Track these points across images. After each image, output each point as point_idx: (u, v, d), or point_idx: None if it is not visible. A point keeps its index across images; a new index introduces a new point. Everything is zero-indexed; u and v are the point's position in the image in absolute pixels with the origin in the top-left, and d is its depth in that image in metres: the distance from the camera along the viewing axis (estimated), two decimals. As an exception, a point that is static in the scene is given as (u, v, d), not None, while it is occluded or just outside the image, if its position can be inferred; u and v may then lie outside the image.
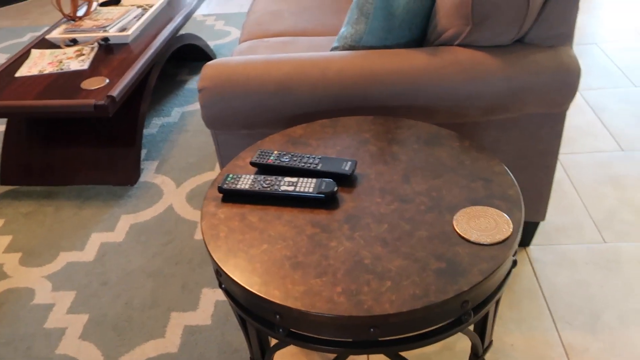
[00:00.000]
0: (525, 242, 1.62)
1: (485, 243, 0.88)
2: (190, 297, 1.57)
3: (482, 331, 1.02)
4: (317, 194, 0.97)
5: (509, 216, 0.93)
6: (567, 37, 1.28)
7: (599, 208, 1.75)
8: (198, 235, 1.78)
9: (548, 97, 1.27)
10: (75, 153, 2.10)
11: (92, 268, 1.70)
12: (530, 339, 1.38)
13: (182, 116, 2.42)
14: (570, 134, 2.09)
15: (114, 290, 1.61)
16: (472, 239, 0.89)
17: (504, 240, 0.88)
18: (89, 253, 1.75)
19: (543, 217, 1.52)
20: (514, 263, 0.93)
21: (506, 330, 1.41)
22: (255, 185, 1.00)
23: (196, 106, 2.49)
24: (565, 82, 1.25)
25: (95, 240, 1.80)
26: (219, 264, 0.89)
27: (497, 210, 0.94)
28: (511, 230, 0.90)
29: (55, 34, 2.22)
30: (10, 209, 1.97)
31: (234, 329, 1.46)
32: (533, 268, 1.56)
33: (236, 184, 1.01)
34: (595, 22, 2.91)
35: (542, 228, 1.69)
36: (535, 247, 1.63)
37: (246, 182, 1.01)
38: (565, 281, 1.52)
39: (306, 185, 0.99)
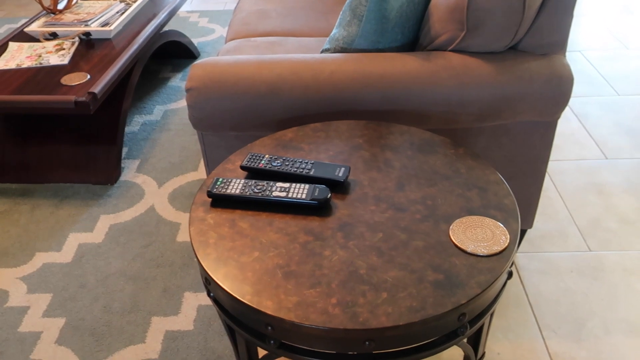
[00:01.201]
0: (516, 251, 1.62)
1: (482, 254, 0.86)
2: (171, 301, 1.53)
3: (475, 343, 1.00)
4: (310, 200, 0.95)
5: (505, 227, 0.91)
6: (560, 45, 1.27)
7: (583, 216, 1.75)
8: (180, 237, 1.74)
9: (540, 105, 1.26)
10: (53, 150, 2.03)
11: (70, 270, 1.64)
12: (516, 347, 1.38)
13: (165, 114, 2.37)
14: (556, 141, 2.10)
15: (93, 293, 1.56)
16: (468, 249, 0.87)
17: (501, 252, 0.87)
18: (66, 254, 1.70)
19: (531, 225, 1.51)
20: (510, 274, 0.91)
21: (493, 338, 1.40)
22: (246, 190, 0.97)
23: (179, 104, 2.44)
24: (557, 91, 1.25)
25: (73, 241, 1.75)
26: (209, 273, 0.86)
27: (493, 220, 0.92)
28: (508, 241, 0.88)
29: (34, 27, 2.15)
30: (-16, 207, 1.91)
31: (217, 334, 1.43)
32: (519, 276, 1.56)
33: (226, 189, 0.98)
34: (579, 30, 2.94)
35: (527, 235, 1.69)
36: (521, 255, 1.62)
37: (236, 186, 0.98)
38: (550, 289, 1.52)
39: (299, 192, 0.96)
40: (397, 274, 0.84)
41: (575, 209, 1.78)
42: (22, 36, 2.17)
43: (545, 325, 1.43)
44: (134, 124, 2.31)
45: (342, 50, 1.35)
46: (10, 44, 2.10)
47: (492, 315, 0.98)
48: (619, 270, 1.57)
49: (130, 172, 2.04)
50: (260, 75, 1.25)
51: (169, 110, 2.39)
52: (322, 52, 1.41)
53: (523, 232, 1.58)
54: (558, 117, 1.30)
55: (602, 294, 1.50)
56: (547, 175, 1.93)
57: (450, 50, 1.29)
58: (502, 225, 0.91)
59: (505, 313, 1.46)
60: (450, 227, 0.91)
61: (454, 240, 0.89)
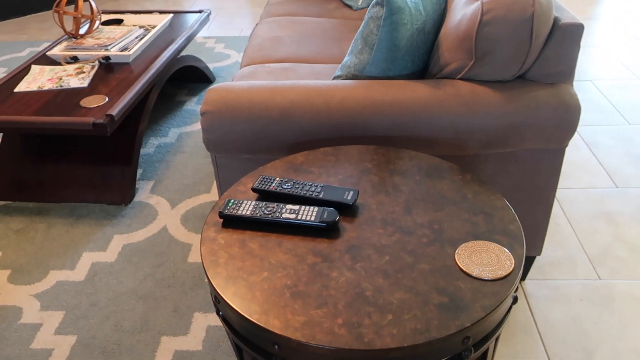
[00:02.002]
0: (521, 276, 1.62)
1: (487, 278, 0.88)
2: (181, 321, 1.54)
3: (480, 367, 1.00)
4: (318, 222, 0.97)
5: (510, 252, 0.93)
6: (567, 75, 1.30)
7: (593, 244, 1.75)
8: (191, 258, 1.76)
9: (547, 133, 1.28)
10: (70, 170, 2.08)
11: (82, 288, 1.67)
12: (524, 375, 1.37)
13: (180, 137, 2.41)
14: (565, 169, 2.11)
15: (104, 311, 1.59)
16: (473, 274, 0.88)
17: (505, 277, 0.88)
18: (79, 272, 1.73)
19: (539, 252, 1.52)
20: (515, 299, 0.92)
21: (501, 366, 1.39)
22: (257, 211, 1.00)
23: (194, 127, 2.49)
24: (565, 120, 1.27)
25: (87, 259, 1.78)
26: (218, 291, 0.88)
27: (498, 245, 0.94)
28: (513, 266, 0.90)
29: (56, 51, 2.22)
30: (1, 225, 1.95)
31: (225, 355, 1.44)
32: (528, 303, 1.56)
33: (237, 210, 1.00)
34: (590, 59, 2.97)
35: (536, 262, 1.69)
36: (530, 282, 1.62)
37: (247, 208, 1.01)
38: (559, 317, 1.52)
39: (308, 214, 0.98)
40: (403, 296, 0.85)
41: (585, 237, 1.78)
42: (44, 59, 2.24)
43: (553, 353, 1.42)
44: (149, 146, 2.36)
45: (354, 77, 1.39)
46: (33, 66, 2.17)
47: (497, 339, 0.98)
48: (629, 299, 1.56)
49: (144, 192, 2.07)
50: (273, 101, 1.28)
51: (183, 133, 2.44)
52: (333, 78, 1.45)
53: (532, 259, 1.59)
54: (566, 145, 1.32)
55: (612, 323, 1.49)
56: (556, 202, 1.93)
57: (459, 79, 1.32)
58: (507, 250, 0.93)
59: (513, 340, 1.45)
60: (456, 251, 0.93)
61: (459, 264, 0.90)
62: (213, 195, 2.05)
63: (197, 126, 2.50)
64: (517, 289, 0.90)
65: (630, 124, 2.38)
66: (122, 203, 2.01)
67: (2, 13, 3.94)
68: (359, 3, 2.42)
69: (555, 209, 1.90)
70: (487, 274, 0.88)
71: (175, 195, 2.05)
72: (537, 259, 1.70)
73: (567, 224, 1.84)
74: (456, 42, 1.29)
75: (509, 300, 0.89)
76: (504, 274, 0.88)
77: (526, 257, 1.57)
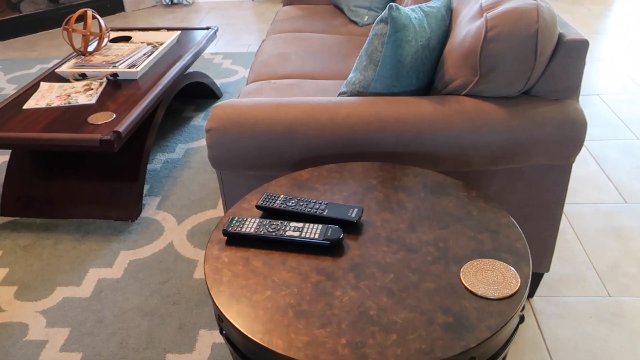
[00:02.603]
0: (529, 293, 1.60)
1: (492, 297, 0.87)
2: (186, 338, 1.54)
3: (487, 388, 0.99)
4: (322, 240, 0.96)
5: (516, 270, 0.92)
6: (573, 90, 1.29)
7: (602, 260, 1.73)
8: (197, 275, 1.76)
9: (554, 149, 1.27)
10: (77, 186, 2.09)
11: (89, 304, 1.67)
12: (533, 394, 1.35)
13: (186, 153, 2.42)
14: (574, 184, 2.09)
15: (110, 328, 1.58)
16: (479, 292, 0.87)
17: (511, 295, 0.87)
18: (85, 289, 1.73)
19: (547, 269, 1.50)
20: (522, 318, 0.91)
21: (509, 384, 1.37)
22: (261, 229, 0.99)
23: (200, 143, 2.50)
24: (571, 135, 1.26)
25: (93, 275, 1.78)
26: (221, 310, 0.87)
27: (504, 263, 0.93)
28: (519, 285, 0.89)
29: (65, 68, 2.24)
30: (9, 241, 1.96)
31: (230, 373, 1.43)
32: (536, 320, 1.54)
33: (241, 228, 1.00)
34: (597, 74, 2.96)
35: (545, 279, 1.67)
36: (538, 299, 1.61)
37: (251, 225, 1.00)
38: (568, 334, 1.49)
39: (312, 231, 0.98)
40: (407, 316, 0.84)
41: (594, 253, 1.76)
42: (53, 76, 2.26)
43: (563, 371, 1.40)
44: (156, 162, 2.37)
45: (359, 93, 1.39)
46: (42, 83, 2.19)
47: (504, 359, 0.97)
48: (639, 316, 1.54)
49: (150, 208, 2.08)
50: (278, 117, 1.28)
51: (190, 149, 2.45)
52: (338, 95, 1.45)
53: (540, 276, 1.57)
54: (572, 161, 1.31)
55: (622, 341, 1.47)
56: (565, 218, 1.92)
57: (464, 95, 1.32)
58: (513, 268, 0.92)
59: (522, 358, 1.43)
60: (461, 269, 0.92)
61: (464, 283, 0.89)
62: (219, 211, 2.05)
63: (204, 142, 2.51)
64: (523, 307, 0.88)
65: (639, 138, 2.36)
66: (128, 219, 2.02)
67: (13, 30, 4.00)
68: (365, 19, 2.43)
69: (564, 224, 1.89)
70: (492, 293, 0.87)
71: (181, 211, 2.06)
72: (546, 276, 1.68)
73: (576, 239, 1.82)
74: (461, 58, 1.29)
75: (516, 319, 0.88)
76: (510, 292, 0.87)
77: (534, 273, 1.55)
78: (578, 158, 2.25)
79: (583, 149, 2.31)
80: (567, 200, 2.00)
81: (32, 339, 1.56)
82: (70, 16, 2.30)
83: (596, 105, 2.65)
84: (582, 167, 2.19)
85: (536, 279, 1.58)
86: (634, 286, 1.63)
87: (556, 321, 1.53)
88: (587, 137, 2.38)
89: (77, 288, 1.73)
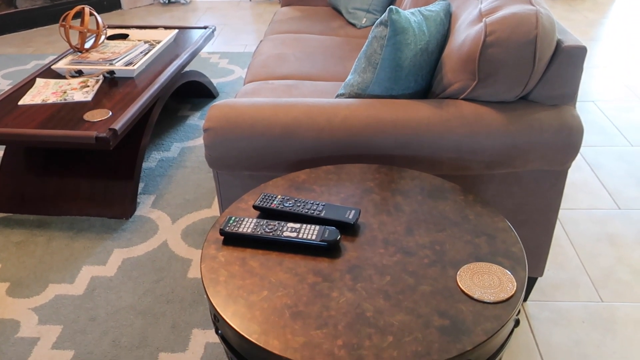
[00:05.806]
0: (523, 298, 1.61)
1: (488, 301, 0.87)
2: (179, 337, 1.53)
3: (481, 391, 0.99)
4: (319, 241, 0.96)
5: (512, 274, 0.92)
6: (570, 97, 1.30)
7: (596, 266, 1.74)
8: (191, 274, 1.75)
9: (550, 154, 1.28)
10: (71, 183, 2.08)
11: (81, 302, 1.66)
12: (526, 398, 1.36)
13: (182, 152, 2.42)
14: (568, 190, 2.10)
15: (102, 326, 1.57)
16: (475, 296, 0.88)
17: (507, 299, 0.87)
18: (78, 286, 1.72)
19: (541, 273, 1.51)
20: (517, 322, 0.91)
21: (502, 388, 1.38)
22: (258, 229, 0.99)
23: (196, 142, 2.49)
24: (567, 141, 1.27)
25: (86, 273, 1.77)
26: (218, 310, 0.87)
27: (500, 267, 0.93)
28: (515, 289, 0.89)
29: (61, 65, 2.23)
30: (1, 237, 1.94)
31: (223, 373, 1.42)
32: (530, 325, 1.55)
33: (238, 228, 1.00)
34: (593, 81, 2.98)
35: (539, 283, 1.68)
36: (531, 303, 1.61)
37: (248, 225, 1.00)
38: (561, 340, 1.50)
39: (309, 232, 0.98)
40: (404, 318, 0.84)
41: (587, 259, 1.77)
42: (49, 73, 2.25)
43: (555, 376, 1.40)
44: (152, 160, 2.36)
45: (357, 95, 1.39)
46: (38, 80, 2.18)
47: (499, 363, 0.97)
48: (632, 322, 1.55)
49: (145, 207, 2.07)
50: (276, 118, 1.28)
51: (186, 148, 2.44)
52: (336, 96, 1.45)
53: (534, 281, 1.58)
54: (568, 167, 1.32)
55: (615, 347, 1.48)
56: (559, 224, 1.92)
57: (462, 99, 1.32)
58: (509, 272, 0.92)
59: (515, 362, 1.44)
60: (458, 273, 0.92)
61: (461, 286, 0.89)
62: (214, 210, 2.05)
63: (200, 141, 2.50)
64: (519, 311, 0.89)
65: (633, 145, 2.38)
66: (123, 217, 2.01)
67: (9, 26, 3.98)
68: (363, 22, 2.43)
69: (558, 230, 1.89)
70: (489, 297, 0.87)
71: (176, 210, 2.05)
72: (539, 280, 1.69)
73: (570, 245, 1.83)
74: (459, 62, 1.29)
75: (511, 323, 0.88)
76: (506, 296, 0.88)
77: (528, 278, 1.56)
78: (572, 164, 2.26)
79: (577, 155, 2.32)
80: (561, 206, 2.01)
81: (24, 336, 1.55)
82: (67, 13, 2.29)
83: (591, 112, 2.66)
84: (576, 173, 2.20)
85: (530, 283, 1.58)
86: (626, 292, 1.64)
87: (549, 326, 1.54)
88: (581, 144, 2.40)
89: (69, 286, 1.72)
